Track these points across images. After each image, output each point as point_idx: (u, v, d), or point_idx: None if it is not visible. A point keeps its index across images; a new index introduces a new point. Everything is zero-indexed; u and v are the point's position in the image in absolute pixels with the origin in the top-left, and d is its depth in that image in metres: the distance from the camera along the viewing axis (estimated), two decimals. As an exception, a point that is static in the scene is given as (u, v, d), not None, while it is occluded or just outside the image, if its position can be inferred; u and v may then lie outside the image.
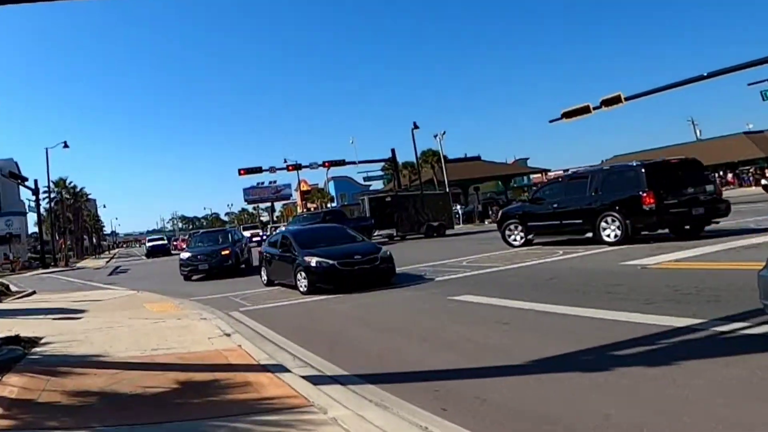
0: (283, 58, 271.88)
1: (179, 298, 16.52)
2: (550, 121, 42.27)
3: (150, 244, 58.32)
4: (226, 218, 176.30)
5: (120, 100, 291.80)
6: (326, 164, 57.61)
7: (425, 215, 38.34)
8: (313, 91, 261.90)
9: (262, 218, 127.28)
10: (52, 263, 52.12)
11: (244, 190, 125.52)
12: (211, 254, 23.31)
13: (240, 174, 55.95)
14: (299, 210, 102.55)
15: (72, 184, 73.62)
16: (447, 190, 53.36)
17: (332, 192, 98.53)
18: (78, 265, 55.01)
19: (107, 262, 57.23)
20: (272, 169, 57.41)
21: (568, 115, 39.82)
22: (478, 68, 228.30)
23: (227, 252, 23.31)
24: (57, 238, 67.55)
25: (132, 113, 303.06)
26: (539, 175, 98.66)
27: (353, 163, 59.67)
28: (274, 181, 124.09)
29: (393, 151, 58.60)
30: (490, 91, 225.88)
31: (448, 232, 38.03)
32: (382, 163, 69.24)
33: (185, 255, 24.24)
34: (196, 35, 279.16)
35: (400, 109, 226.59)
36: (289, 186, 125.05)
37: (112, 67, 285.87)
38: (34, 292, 22.83)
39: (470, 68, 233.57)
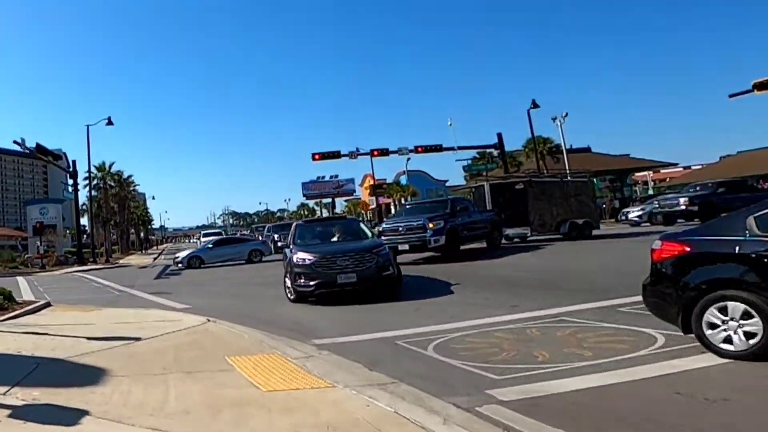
0: (351, 44, 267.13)
1: (290, 337, 9.37)
2: (731, 96, 35.79)
3: (205, 239, 51.69)
4: (279, 214, 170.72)
5: (175, 90, 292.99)
6: (419, 149, 50.69)
7: (567, 209, 29.84)
8: (384, 76, 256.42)
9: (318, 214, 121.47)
10: (91, 259, 46.04)
11: (303, 184, 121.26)
12: (359, 255, 14.09)
13: (314, 159, 50.20)
14: (367, 206, 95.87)
15: (117, 170, 67.95)
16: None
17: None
18: (121, 261, 48.91)
19: (155, 259, 50.98)
20: (353, 155, 50.74)
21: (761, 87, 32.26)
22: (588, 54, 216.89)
23: (380, 253, 14.45)
24: (100, 230, 61.96)
25: (185, 104, 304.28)
26: (646, 173, 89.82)
27: (451, 149, 52.06)
28: (336, 176, 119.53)
29: (499, 135, 51.30)
30: (598, 77, 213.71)
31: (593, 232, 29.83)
32: (482, 151, 61.02)
33: (303, 256, 14.31)
34: (263, 22, 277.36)
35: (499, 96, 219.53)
36: (352, 181, 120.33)
37: (164, 58, 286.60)
38: (47, 305, 16.12)
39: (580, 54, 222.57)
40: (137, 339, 9.50)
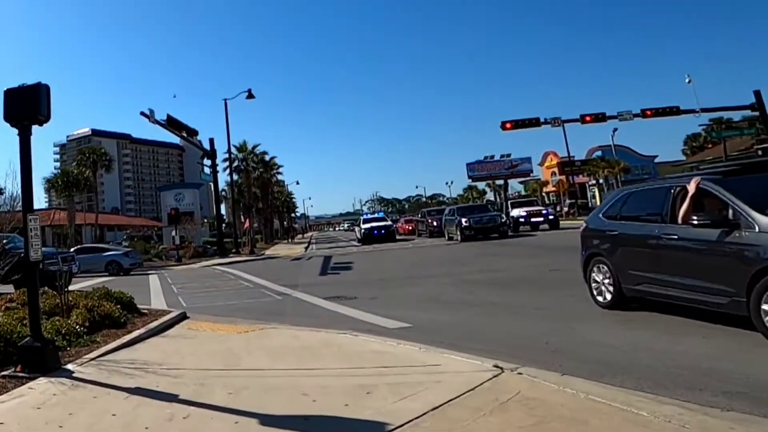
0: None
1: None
2: None
3: (367, 225, 47.53)
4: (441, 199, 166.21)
5: (317, 72, 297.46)
6: (647, 113, 43.95)
7: None
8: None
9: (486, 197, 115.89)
10: (233, 250, 43.17)
11: (468, 165, 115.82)
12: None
13: (504, 128, 45.04)
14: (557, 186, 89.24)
15: (260, 150, 65.46)
16: None
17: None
18: (267, 252, 45.80)
19: (306, 249, 47.47)
20: (555, 121, 44.94)
21: None
22: None
23: None
24: (242, 218, 59.82)
25: (328, 87, 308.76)
26: None
27: (692, 111, 44.78)
28: (508, 155, 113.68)
29: (758, 94, 42.86)
30: None
31: None
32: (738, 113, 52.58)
33: None
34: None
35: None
36: (528, 160, 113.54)
37: (307, 37, 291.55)
38: (181, 318, 11.97)
39: None
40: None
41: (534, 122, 46.61)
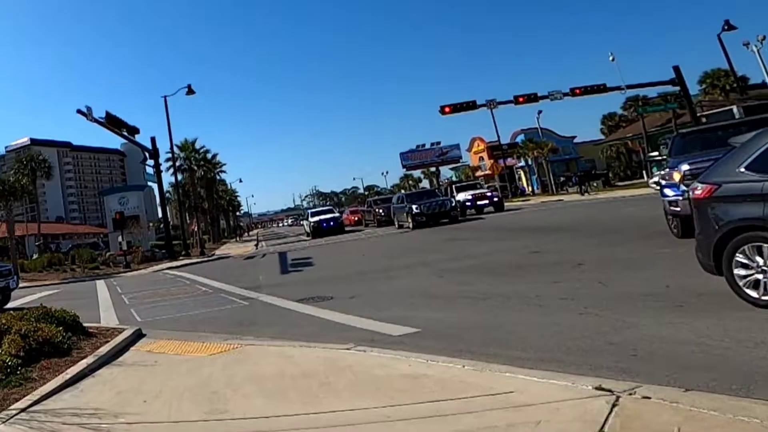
0: None
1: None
2: None
3: (316, 218, 45.03)
4: (378, 189, 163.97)
5: (253, 70, 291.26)
6: (576, 91, 42.99)
7: None
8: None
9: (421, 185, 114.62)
10: (183, 252, 40.26)
11: (402, 154, 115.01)
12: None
13: (444, 113, 44.65)
14: (488, 171, 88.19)
15: (203, 148, 62.13)
16: None
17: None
18: (217, 252, 42.97)
19: (256, 247, 44.79)
20: (491, 103, 43.64)
21: None
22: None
23: None
24: (188, 219, 56.78)
25: (263, 85, 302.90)
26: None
27: (618, 88, 43.83)
28: (438, 143, 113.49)
29: (677, 69, 42.22)
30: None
31: None
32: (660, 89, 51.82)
33: None
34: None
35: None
36: (457, 147, 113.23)
37: (242, 36, 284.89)
38: (137, 337, 9.70)
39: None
40: None
41: (471, 105, 45.18)
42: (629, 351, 5.63)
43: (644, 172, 63.97)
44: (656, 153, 15.25)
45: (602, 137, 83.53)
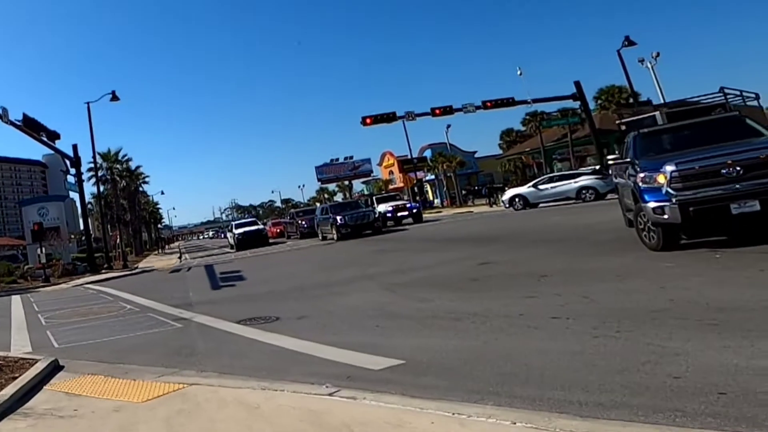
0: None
1: None
2: None
3: (240, 230, 42.69)
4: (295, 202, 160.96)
5: (176, 83, 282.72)
6: (488, 104, 42.53)
7: None
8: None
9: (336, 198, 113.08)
10: (105, 265, 37.23)
11: (317, 168, 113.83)
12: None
13: (365, 124, 43.13)
14: (398, 184, 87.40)
15: (126, 158, 58.51)
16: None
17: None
18: (140, 265, 40.07)
19: (180, 259, 42.10)
20: (410, 115, 42.82)
21: None
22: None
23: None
24: (110, 231, 53.22)
25: (186, 98, 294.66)
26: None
27: (524, 102, 44.00)
28: (351, 157, 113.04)
29: (577, 84, 42.80)
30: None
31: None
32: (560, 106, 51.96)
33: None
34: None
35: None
36: (368, 161, 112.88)
37: (160, 48, 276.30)
38: (54, 369, 7.86)
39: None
40: None
41: (391, 117, 43.91)
42: (710, 389, 4.17)
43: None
44: (615, 156, 13.57)
45: (501, 152, 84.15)
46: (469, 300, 9.20)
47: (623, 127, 16.53)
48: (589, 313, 7.05)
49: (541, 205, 35.57)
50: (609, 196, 28.39)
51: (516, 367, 5.42)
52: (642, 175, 10.49)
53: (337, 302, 11.18)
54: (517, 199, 37.10)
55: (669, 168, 9.95)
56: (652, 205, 10.14)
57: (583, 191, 33.98)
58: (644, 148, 11.88)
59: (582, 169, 38.95)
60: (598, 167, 39.54)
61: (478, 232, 23.53)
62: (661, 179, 10.03)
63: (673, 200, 9.69)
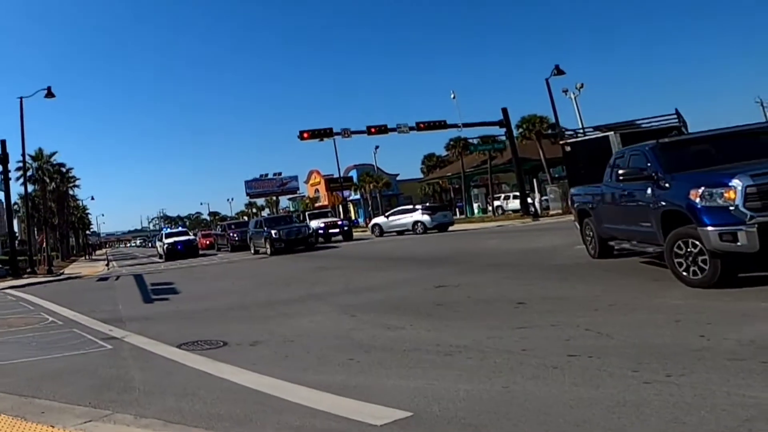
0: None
1: None
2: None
3: (171, 240, 39.68)
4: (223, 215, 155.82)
5: (112, 84, 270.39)
6: (421, 126, 41.97)
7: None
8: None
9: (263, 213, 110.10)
10: (29, 269, 33.62)
11: (246, 182, 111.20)
12: None
13: (302, 138, 41.80)
14: (323, 202, 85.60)
15: (56, 160, 54.08)
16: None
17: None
18: (66, 271, 36.56)
19: (107, 266, 38.76)
20: (346, 132, 41.37)
21: None
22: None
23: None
24: (36, 234, 48.92)
25: (118, 101, 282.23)
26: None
27: (455, 126, 43.26)
28: (279, 174, 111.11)
29: (504, 111, 42.67)
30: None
31: None
32: (486, 135, 51.38)
33: None
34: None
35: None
36: (295, 178, 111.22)
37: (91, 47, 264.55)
38: None
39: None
40: None
41: (328, 132, 42.19)
42: None
43: (457, 209, 64.12)
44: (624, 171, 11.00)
45: (422, 176, 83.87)
46: (447, 329, 7.59)
47: (567, 148, 14.92)
48: (610, 350, 5.59)
49: (385, 234, 38.75)
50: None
51: (565, 426, 3.83)
52: (700, 191, 7.86)
53: (289, 326, 9.31)
54: (375, 227, 40.47)
55: (741, 182, 7.43)
56: (715, 229, 7.56)
57: (416, 224, 36.76)
58: (671, 161, 9.23)
59: (417, 206, 40.87)
60: (428, 204, 44.88)
61: (417, 253, 22.00)
62: (730, 196, 7.49)
63: (750, 223, 7.30)
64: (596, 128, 15.41)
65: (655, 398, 4.14)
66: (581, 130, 16.85)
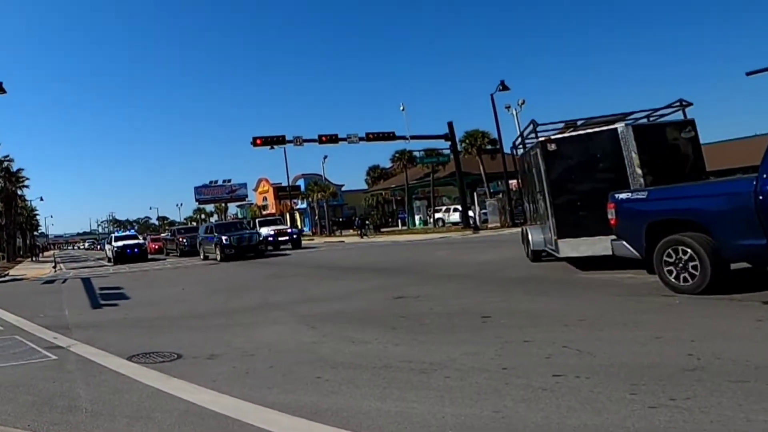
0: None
1: None
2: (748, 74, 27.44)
3: (120, 243, 37.75)
4: (158, 220, 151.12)
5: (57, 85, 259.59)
6: (370, 136, 41.48)
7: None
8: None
9: (212, 218, 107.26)
10: (-29, 270, 31.31)
11: (196, 188, 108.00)
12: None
13: (255, 144, 40.67)
14: (271, 210, 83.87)
15: (7, 157, 50.88)
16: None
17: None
18: (11, 272, 34.24)
19: (55, 269, 36.52)
20: (298, 140, 40.33)
21: None
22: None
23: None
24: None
25: (66, 102, 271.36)
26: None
27: (403, 138, 43.03)
28: (229, 180, 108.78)
29: (450, 125, 43.05)
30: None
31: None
32: (431, 149, 51.25)
33: None
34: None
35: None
36: (244, 186, 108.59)
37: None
38: None
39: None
40: None
41: (280, 140, 41.03)
42: None
43: (399, 221, 64.09)
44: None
45: (366, 187, 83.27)
46: (416, 344, 6.95)
47: (552, 147, 11.68)
48: (597, 369, 5.05)
49: None
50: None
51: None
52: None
53: (249, 337, 8.49)
54: None
55: None
56: None
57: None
58: None
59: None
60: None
61: (369, 262, 21.29)
62: None
63: None
64: (589, 120, 12.47)
65: (670, 425, 3.62)
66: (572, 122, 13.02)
